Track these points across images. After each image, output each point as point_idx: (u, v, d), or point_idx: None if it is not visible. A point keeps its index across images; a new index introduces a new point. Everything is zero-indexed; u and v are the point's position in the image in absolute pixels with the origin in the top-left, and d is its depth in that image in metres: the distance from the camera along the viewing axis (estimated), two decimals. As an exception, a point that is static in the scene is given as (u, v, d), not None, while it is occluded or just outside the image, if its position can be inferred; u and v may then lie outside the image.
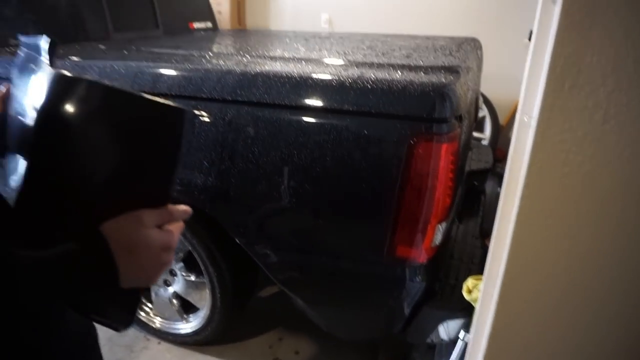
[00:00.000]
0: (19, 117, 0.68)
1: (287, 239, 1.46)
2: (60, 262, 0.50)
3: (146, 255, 0.56)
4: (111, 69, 1.54)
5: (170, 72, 1.47)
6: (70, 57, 1.66)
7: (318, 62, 1.55)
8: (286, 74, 1.35)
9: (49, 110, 0.56)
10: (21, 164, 0.65)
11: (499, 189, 1.67)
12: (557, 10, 0.54)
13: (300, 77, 1.34)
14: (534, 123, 0.59)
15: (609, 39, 0.53)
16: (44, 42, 0.65)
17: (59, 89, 0.56)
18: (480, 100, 3.12)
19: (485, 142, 3.39)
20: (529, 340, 0.74)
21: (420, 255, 1.38)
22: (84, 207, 0.56)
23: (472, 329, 0.88)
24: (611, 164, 0.59)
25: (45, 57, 0.63)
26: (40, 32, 1.98)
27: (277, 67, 1.45)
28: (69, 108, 0.55)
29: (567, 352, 0.73)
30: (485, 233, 2.02)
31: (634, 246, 0.62)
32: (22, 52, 0.75)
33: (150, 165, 0.59)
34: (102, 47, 1.94)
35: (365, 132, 1.26)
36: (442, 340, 1.37)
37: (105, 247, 0.53)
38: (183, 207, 0.62)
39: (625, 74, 0.54)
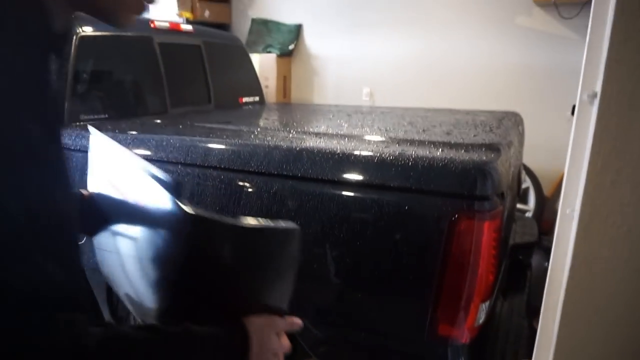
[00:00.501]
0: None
1: (327, 313, 1.46)
2: (210, 340, 0.60)
3: (267, 354, 0.65)
4: (167, 142, 1.66)
5: (221, 146, 1.57)
6: (130, 131, 1.81)
7: (360, 138, 1.61)
8: (330, 150, 1.41)
9: (193, 251, 0.66)
10: (117, 242, 0.74)
11: (545, 263, 1.62)
12: (594, 111, 0.57)
13: (343, 153, 1.40)
14: (575, 216, 0.60)
15: (647, 139, 0.55)
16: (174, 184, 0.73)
17: (198, 231, 0.64)
18: (523, 172, 3.09)
19: (529, 214, 3.31)
20: None
21: (463, 335, 1.33)
22: (224, 308, 0.67)
23: None
24: (660, 259, 0.58)
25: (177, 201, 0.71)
26: (106, 107, 2.17)
27: (322, 143, 1.52)
28: (211, 247, 0.65)
29: None
30: (533, 310, 1.92)
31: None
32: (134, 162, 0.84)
33: (276, 279, 0.70)
34: (159, 121, 2.11)
35: (407, 207, 1.28)
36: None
37: (246, 338, 0.62)
38: (298, 320, 0.73)
39: (668, 172, 0.55)
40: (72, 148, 1.82)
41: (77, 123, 1.98)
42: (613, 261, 0.59)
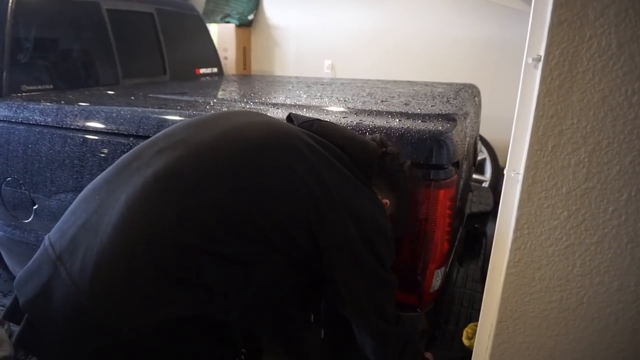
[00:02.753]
0: None
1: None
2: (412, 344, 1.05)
3: None
4: (118, 114, 1.59)
5: (175, 117, 1.52)
6: (78, 102, 1.73)
7: (319, 109, 1.60)
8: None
9: None
10: None
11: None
12: (538, 75, 0.58)
13: (301, 124, 1.38)
14: (520, 179, 0.62)
15: (587, 103, 0.56)
16: None
17: None
18: (479, 143, 3.17)
19: (486, 184, 3.42)
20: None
21: (419, 301, 1.37)
22: None
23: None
24: (596, 219, 0.61)
25: None
26: (52, 77, 2.05)
27: (279, 114, 1.49)
28: None
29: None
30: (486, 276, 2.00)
31: (624, 298, 0.63)
32: None
33: None
34: (110, 92, 2.02)
35: (364, 178, 1.29)
36: (442, 388, 1.35)
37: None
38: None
39: (605, 135, 0.57)
40: (13, 120, 1.72)
41: (19, 94, 1.86)
42: (552, 221, 0.61)
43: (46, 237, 0.86)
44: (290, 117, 1.15)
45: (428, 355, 1.30)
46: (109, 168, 0.91)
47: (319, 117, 1.36)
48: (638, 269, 0.61)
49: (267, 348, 1.31)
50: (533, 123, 0.59)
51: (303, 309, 1.02)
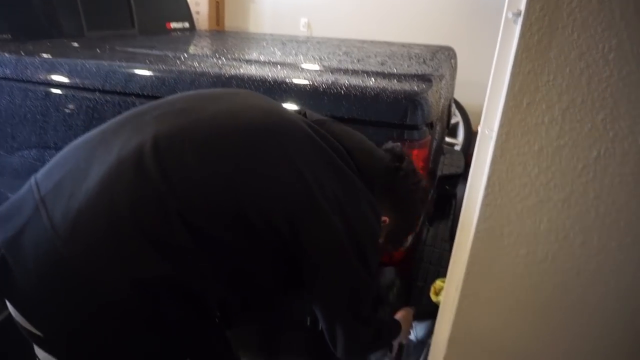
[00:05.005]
0: None
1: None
2: (389, 326, 1.20)
3: (404, 333, 1.25)
4: (82, 67, 1.52)
5: (143, 72, 1.46)
6: (40, 53, 1.63)
7: (293, 66, 1.56)
8: (261, 78, 1.36)
9: None
10: None
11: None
12: (517, 30, 0.57)
13: (275, 80, 1.35)
14: (494, 136, 0.62)
15: (564, 59, 0.56)
16: None
17: None
18: (454, 107, 3.19)
19: (458, 147, 3.46)
20: (487, 342, 0.77)
21: (390, 259, 1.40)
22: None
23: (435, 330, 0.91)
24: (566, 176, 0.62)
25: None
26: (10, 26, 1.93)
27: (252, 70, 1.45)
28: None
29: (521, 355, 0.76)
30: (455, 236, 2.06)
31: (587, 252, 0.66)
32: None
33: None
34: (74, 44, 1.91)
35: (338, 137, 1.28)
36: (410, 341, 1.40)
37: (400, 325, 1.23)
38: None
39: (579, 92, 0.57)
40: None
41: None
42: (523, 178, 0.62)
43: (33, 176, 0.84)
44: (305, 114, 1.10)
45: (404, 312, 1.34)
46: (107, 123, 0.89)
47: (291, 75, 1.32)
48: (601, 224, 0.63)
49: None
50: (510, 79, 0.58)
51: (282, 292, 1.01)
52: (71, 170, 0.80)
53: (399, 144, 1.10)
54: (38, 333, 0.78)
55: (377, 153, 1.04)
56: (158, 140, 0.80)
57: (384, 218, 1.02)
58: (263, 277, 0.92)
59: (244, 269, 0.88)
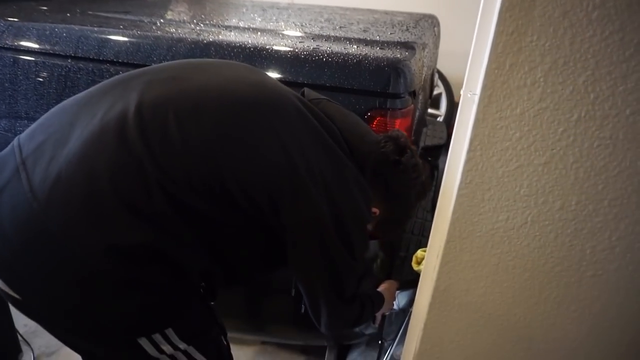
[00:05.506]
0: None
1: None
2: (372, 300, 1.18)
3: (387, 304, 1.27)
4: (52, 31, 1.45)
5: (118, 38, 1.40)
6: (5, 17, 1.55)
7: (274, 33, 1.51)
8: (240, 44, 1.32)
9: None
10: None
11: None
12: (500, -12, 0.55)
13: (255, 47, 1.31)
14: (476, 99, 0.61)
15: (548, 18, 0.55)
16: None
17: None
18: (436, 77, 3.17)
19: (440, 119, 3.47)
20: (468, 308, 0.78)
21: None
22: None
23: (415, 298, 0.92)
24: (546, 140, 0.62)
25: None
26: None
27: (231, 36, 1.41)
28: None
29: (502, 323, 0.78)
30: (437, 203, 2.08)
31: (565, 216, 0.66)
32: None
33: None
34: (43, 8, 1.82)
35: (320, 105, 1.26)
36: (392, 309, 1.42)
37: (383, 298, 1.24)
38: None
39: (562, 53, 0.56)
40: None
41: None
42: (504, 142, 0.62)
43: (17, 137, 0.83)
44: (303, 93, 1.06)
45: (387, 285, 1.36)
46: (95, 86, 0.88)
47: (272, 42, 1.28)
48: (580, 188, 0.63)
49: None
50: (493, 39, 0.57)
51: (264, 268, 1.00)
52: (54, 133, 0.78)
53: (404, 133, 1.06)
54: (16, 295, 0.77)
55: (369, 137, 1.01)
56: (142, 108, 0.78)
57: (375, 209, 0.99)
58: (245, 250, 0.91)
59: (225, 241, 0.87)
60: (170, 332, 0.85)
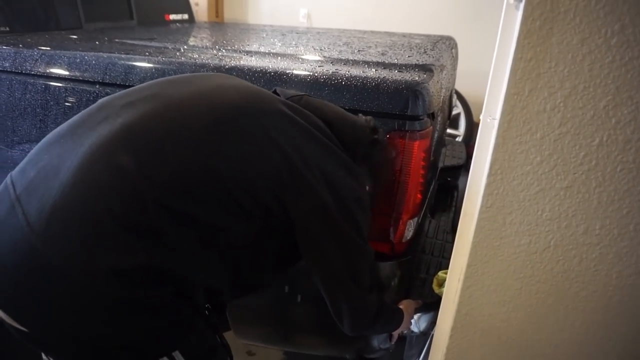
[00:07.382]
0: None
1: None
2: (392, 308, 1.18)
3: (404, 324, 1.23)
4: (82, 59, 1.51)
5: (143, 64, 1.45)
6: (39, 46, 1.62)
7: (293, 57, 1.55)
8: (261, 69, 1.35)
9: None
10: None
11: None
12: (519, 16, 0.56)
13: (275, 72, 1.34)
14: (496, 124, 0.61)
15: (566, 45, 0.56)
16: None
17: None
18: (455, 97, 3.17)
19: (459, 139, 3.45)
20: (490, 332, 0.77)
21: (392, 249, 1.40)
22: None
23: (438, 320, 0.91)
24: (568, 164, 0.62)
25: None
26: (7, 19, 1.92)
27: (252, 61, 1.44)
28: None
29: (526, 349, 0.76)
30: (457, 227, 2.06)
31: (589, 240, 0.65)
32: None
33: None
34: (73, 37, 1.90)
35: (339, 128, 1.27)
36: (412, 332, 1.40)
37: (402, 312, 1.21)
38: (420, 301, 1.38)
39: (582, 79, 0.57)
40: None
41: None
42: (525, 166, 0.62)
43: (9, 174, 0.84)
44: (276, 92, 1.09)
45: (405, 303, 1.35)
46: (77, 115, 0.88)
47: (292, 66, 1.31)
48: (604, 212, 0.63)
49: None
50: (511, 66, 0.58)
51: (274, 272, 1.02)
52: (44, 167, 0.79)
53: (370, 117, 1.16)
54: (23, 329, 0.78)
55: (358, 124, 1.07)
56: (127, 127, 0.78)
57: (367, 187, 1.06)
58: (251, 255, 0.92)
59: (231, 250, 0.87)
60: (177, 354, 0.84)
